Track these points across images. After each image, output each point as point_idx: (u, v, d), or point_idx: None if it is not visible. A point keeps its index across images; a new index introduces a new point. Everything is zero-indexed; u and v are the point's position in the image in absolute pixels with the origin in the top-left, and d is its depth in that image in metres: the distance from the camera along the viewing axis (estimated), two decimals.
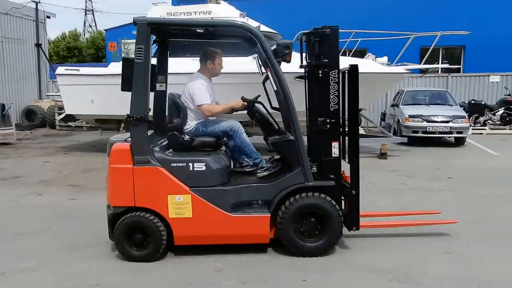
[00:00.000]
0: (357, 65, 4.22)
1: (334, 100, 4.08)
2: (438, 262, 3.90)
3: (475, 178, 7.56)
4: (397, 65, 9.97)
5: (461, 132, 11.28)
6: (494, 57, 17.27)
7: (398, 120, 12.00)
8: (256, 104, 4.41)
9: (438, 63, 12.34)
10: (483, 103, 14.62)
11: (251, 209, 4.03)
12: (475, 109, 14.38)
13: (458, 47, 18.60)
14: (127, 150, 3.90)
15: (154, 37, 4.32)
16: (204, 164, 3.96)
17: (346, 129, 4.32)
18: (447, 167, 8.62)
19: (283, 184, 4.01)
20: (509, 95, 14.55)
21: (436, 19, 17.38)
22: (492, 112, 14.32)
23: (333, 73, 4.06)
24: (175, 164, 3.94)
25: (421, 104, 12.54)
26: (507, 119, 14.07)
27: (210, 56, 4.39)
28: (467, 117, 11.76)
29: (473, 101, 14.57)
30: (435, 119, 11.31)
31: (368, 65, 9.64)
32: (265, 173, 4.24)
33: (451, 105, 12.38)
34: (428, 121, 11.29)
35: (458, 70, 18.31)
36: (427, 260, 3.93)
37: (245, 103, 4.36)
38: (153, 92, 4.38)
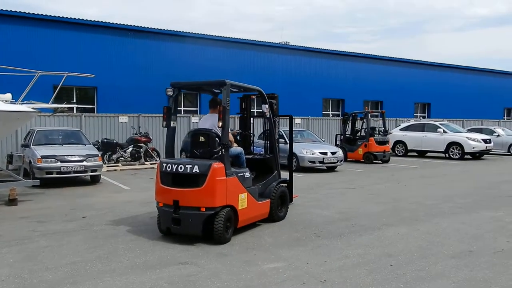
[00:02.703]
0: None
1: None
2: None
3: (108, 215, 7.87)
4: (23, 103, 9.31)
5: (95, 170, 11.61)
6: (122, 99, 19.01)
7: (30, 161, 11.18)
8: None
9: (66, 103, 12.33)
10: (115, 141, 15.68)
11: (261, 197, 6.78)
12: (108, 147, 15.21)
13: (91, 88, 19.35)
14: (222, 167, 5.83)
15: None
16: (249, 173, 6.51)
17: None
18: (83, 206, 8.63)
19: (271, 181, 7.21)
20: (136, 133, 16.22)
21: (66, 60, 17.63)
22: (123, 150, 15.53)
23: None
24: (240, 174, 6.24)
25: (55, 144, 12.18)
26: (136, 155, 15.61)
27: (219, 103, 6.37)
28: (100, 155, 12.27)
29: (105, 140, 15.39)
30: (70, 158, 11.21)
31: None
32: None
33: (85, 144, 12.62)
34: (62, 161, 11.04)
35: (92, 110, 19.01)
36: None
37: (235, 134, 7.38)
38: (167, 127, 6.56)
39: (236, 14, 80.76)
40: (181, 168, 5.89)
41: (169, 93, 6.43)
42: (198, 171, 5.77)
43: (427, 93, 30.55)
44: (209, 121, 6.63)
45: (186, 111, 21.40)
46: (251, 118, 8.03)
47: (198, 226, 5.73)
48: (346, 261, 5.13)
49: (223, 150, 5.94)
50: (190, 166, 5.83)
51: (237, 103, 8.01)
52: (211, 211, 5.70)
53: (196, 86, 7.52)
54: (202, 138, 6.29)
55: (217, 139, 6.22)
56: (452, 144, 18.89)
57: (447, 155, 19.02)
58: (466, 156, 18.66)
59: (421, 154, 20.51)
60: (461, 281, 4.52)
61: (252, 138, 8.03)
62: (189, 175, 5.82)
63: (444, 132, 19.18)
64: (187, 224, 5.79)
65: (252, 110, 7.95)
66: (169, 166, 6.01)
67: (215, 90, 7.26)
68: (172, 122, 6.58)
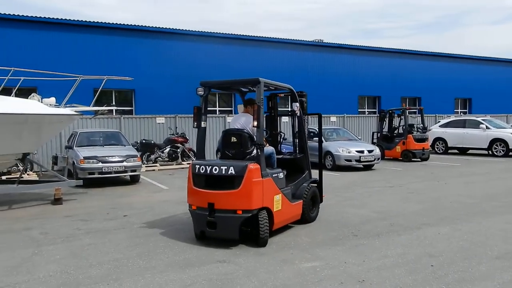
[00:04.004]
0: None
1: None
2: None
3: (147, 213, 8.08)
4: (66, 107, 9.70)
5: (134, 170, 11.95)
6: (159, 101, 19.45)
7: (73, 162, 11.64)
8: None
9: (106, 105, 12.75)
10: (152, 142, 16.07)
11: (293, 198, 6.60)
12: (146, 148, 15.62)
13: (129, 90, 19.90)
14: (258, 169, 5.65)
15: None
16: (283, 173, 6.33)
17: None
18: (123, 205, 8.90)
19: (302, 181, 7.03)
20: (173, 134, 16.55)
21: (105, 64, 18.21)
22: (161, 150, 15.89)
23: None
24: (275, 175, 6.06)
25: (96, 145, 12.62)
26: (173, 155, 15.93)
27: (252, 103, 6.43)
28: (139, 155, 12.61)
29: (144, 141, 15.80)
30: (110, 159, 11.59)
31: (33, 106, 8.99)
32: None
33: (124, 145, 13.00)
34: (103, 162, 11.43)
35: (130, 112, 19.54)
36: None
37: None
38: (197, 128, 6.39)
39: (265, 14, 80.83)
40: (215, 169, 5.72)
41: (200, 92, 6.28)
42: (234, 173, 5.63)
43: (467, 88, 29.51)
44: (240, 120, 6.46)
45: (221, 111, 21.63)
46: (278, 117, 7.83)
47: (234, 229, 5.60)
48: (385, 261, 5.04)
49: (258, 150, 5.81)
50: (226, 167, 5.68)
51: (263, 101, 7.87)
52: (248, 214, 5.56)
53: (227, 85, 7.16)
54: (234, 139, 6.14)
55: (249, 139, 6.08)
56: (495, 141, 18.13)
57: (490, 152, 18.29)
58: (510, 153, 17.88)
59: (462, 151, 19.84)
60: (506, 283, 4.36)
61: (281, 138, 7.79)
62: (224, 177, 5.68)
63: (487, 128, 18.44)
64: (223, 227, 5.65)
65: (279, 108, 7.73)
66: (202, 168, 5.86)
67: (243, 89, 7.14)
68: (202, 123, 6.37)
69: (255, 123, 5.75)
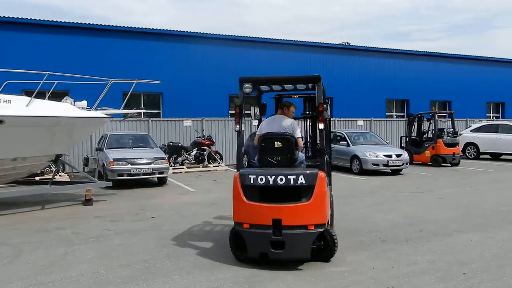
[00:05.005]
0: None
1: None
2: None
3: (175, 215, 8.18)
4: (97, 110, 9.95)
5: (162, 172, 12.13)
6: (186, 104, 19.68)
7: (103, 164, 11.91)
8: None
9: (135, 109, 12.99)
10: (180, 144, 16.27)
11: None
12: (173, 150, 15.83)
13: (157, 93, 20.22)
14: (324, 177, 5.05)
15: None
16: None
17: None
18: (151, 206, 9.05)
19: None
20: (199, 137, 16.72)
21: (134, 68, 18.58)
22: (187, 153, 16.08)
23: None
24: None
25: (125, 147, 12.88)
26: (200, 158, 16.09)
27: (287, 104, 5.98)
28: (166, 158, 12.80)
29: (171, 143, 16.02)
30: (139, 161, 11.80)
31: (66, 109, 9.26)
32: None
33: (152, 147, 13.22)
34: (132, 164, 11.66)
35: (158, 115, 19.86)
36: None
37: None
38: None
39: (293, 17, 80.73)
40: (281, 179, 4.91)
41: (247, 90, 5.40)
42: (304, 182, 4.90)
43: (500, 92, 28.61)
44: (281, 123, 5.71)
45: (246, 114, 21.67)
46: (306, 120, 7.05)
47: (307, 248, 4.91)
48: (415, 267, 4.94)
49: (326, 156, 5.25)
50: (294, 176, 4.91)
51: (271, 103, 6.91)
52: (321, 229, 4.92)
53: (279, 82, 5.96)
54: (278, 143, 5.37)
55: (295, 144, 5.45)
56: None
57: None
58: None
59: (495, 156, 19.25)
60: None
61: (308, 142, 7.01)
62: (292, 188, 4.93)
63: None
64: (293, 247, 4.87)
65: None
66: (261, 178, 4.96)
67: (278, 91, 6.53)
68: (243, 125, 5.62)
69: (321, 126, 5.17)
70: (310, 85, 5.91)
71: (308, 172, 5.01)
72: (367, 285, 4.44)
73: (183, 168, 15.57)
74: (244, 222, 5.04)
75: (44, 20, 18.09)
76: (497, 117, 28.92)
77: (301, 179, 4.90)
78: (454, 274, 4.71)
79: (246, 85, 5.38)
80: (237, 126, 5.38)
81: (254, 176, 5.00)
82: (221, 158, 16.74)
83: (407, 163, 14.38)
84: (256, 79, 5.54)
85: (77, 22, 18.79)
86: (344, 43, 26.28)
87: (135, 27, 19.93)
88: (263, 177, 4.96)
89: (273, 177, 4.93)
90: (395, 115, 26.09)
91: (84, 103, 9.91)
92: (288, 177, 4.91)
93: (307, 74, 5.57)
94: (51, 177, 11.12)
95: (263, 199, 4.97)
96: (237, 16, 79.56)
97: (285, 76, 5.82)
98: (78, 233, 6.79)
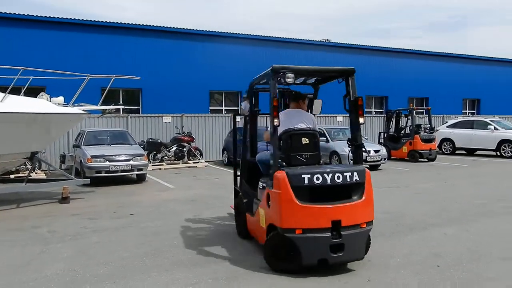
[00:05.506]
0: None
1: None
2: None
3: (154, 212, 8.12)
4: (74, 106, 9.78)
5: (141, 169, 12.01)
6: (166, 100, 19.52)
7: (81, 161, 11.73)
8: None
9: (114, 105, 12.83)
10: (159, 141, 16.14)
11: None
12: (153, 147, 15.69)
13: (136, 89, 19.98)
14: (370, 173, 4.93)
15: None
16: None
17: None
18: (130, 204, 8.96)
19: None
20: (179, 133, 16.61)
21: (113, 64, 18.31)
22: (167, 149, 15.96)
23: None
24: None
25: (104, 144, 12.69)
26: (179, 154, 15.99)
27: (303, 97, 5.66)
28: (145, 154, 12.67)
29: (150, 140, 15.88)
30: (117, 158, 11.65)
31: (42, 105, 9.08)
32: None
33: (131, 144, 13.07)
34: (110, 161, 11.51)
35: (137, 111, 19.63)
36: None
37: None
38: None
39: (274, 12, 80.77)
40: (338, 177, 4.61)
41: (290, 79, 4.90)
42: (358, 179, 4.72)
43: (476, 89, 29.28)
44: (301, 118, 5.36)
45: (227, 110, 21.66)
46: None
47: (362, 247, 4.75)
48: (391, 261, 5.03)
49: (363, 152, 5.12)
50: (349, 173, 4.67)
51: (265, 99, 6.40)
52: (371, 226, 4.78)
53: (313, 73, 5.59)
54: (306, 140, 5.07)
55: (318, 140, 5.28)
56: (504, 142, 17.98)
57: (498, 153, 18.15)
58: None
59: (470, 152, 19.70)
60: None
61: None
62: (346, 186, 4.69)
63: (495, 129, 18.30)
64: (352, 247, 4.61)
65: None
66: (317, 177, 4.56)
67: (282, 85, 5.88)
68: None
69: (362, 120, 5.06)
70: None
71: (359, 168, 4.81)
72: (345, 278, 4.50)
73: (162, 165, 15.45)
74: (297, 228, 4.48)
75: (18, 14, 17.66)
76: (473, 114, 29.59)
77: (356, 176, 4.70)
78: (428, 267, 4.81)
79: (290, 75, 4.87)
80: (276, 120, 4.73)
81: (309, 176, 4.54)
82: (201, 155, 16.68)
83: (385, 159, 14.59)
84: (293, 68, 4.98)
85: (54, 17, 18.41)
86: (324, 40, 26.45)
87: (114, 22, 19.64)
88: (320, 176, 4.56)
89: (330, 175, 4.59)
90: (374, 111, 26.43)
91: (60, 99, 9.73)
92: (344, 174, 4.64)
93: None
94: (26, 175, 10.90)
95: (316, 200, 4.56)
96: (219, 11, 79.18)
97: (320, 67, 5.45)
98: (54, 232, 6.68)
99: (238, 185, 6.46)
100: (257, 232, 5.41)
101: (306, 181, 4.53)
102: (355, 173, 4.70)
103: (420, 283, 4.38)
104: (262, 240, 5.13)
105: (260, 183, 5.30)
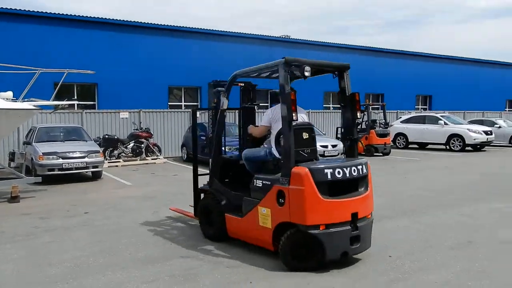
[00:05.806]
0: None
1: None
2: None
3: (109, 210, 7.92)
4: (24, 101, 9.35)
5: (96, 166, 11.66)
6: (123, 95, 19.04)
7: (32, 158, 11.24)
8: None
9: (67, 100, 12.39)
10: (116, 137, 15.72)
11: None
12: (109, 143, 15.26)
13: (92, 84, 19.37)
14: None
15: None
16: None
17: None
18: (85, 202, 8.69)
19: None
20: (136, 129, 16.26)
21: (67, 57, 17.65)
22: (124, 146, 15.57)
23: None
24: None
25: (56, 141, 12.21)
26: (137, 151, 15.65)
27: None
28: (101, 151, 12.32)
29: (107, 136, 15.43)
30: (71, 155, 11.25)
31: None
32: None
33: (86, 141, 12.66)
34: (64, 158, 11.09)
35: (93, 107, 19.04)
36: None
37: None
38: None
39: (239, 10, 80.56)
40: (354, 171, 4.67)
41: (307, 73, 4.77)
42: (366, 172, 4.90)
43: (428, 85, 30.46)
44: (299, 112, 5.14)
45: (186, 106, 21.43)
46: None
47: (370, 237, 4.95)
48: None
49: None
50: (361, 167, 4.80)
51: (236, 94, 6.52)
52: (372, 217, 5.04)
53: (316, 67, 5.33)
54: (306, 135, 4.98)
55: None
56: (453, 136, 18.87)
57: (448, 147, 19.01)
58: (467, 148, 18.65)
59: (422, 146, 20.51)
60: (459, 271, 4.56)
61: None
62: (358, 179, 4.79)
63: (445, 124, 19.16)
64: (365, 238, 4.78)
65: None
66: (338, 172, 4.55)
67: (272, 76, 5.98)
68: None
69: (359, 115, 5.18)
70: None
71: (364, 161, 4.95)
72: (303, 273, 4.57)
73: (119, 162, 15.07)
74: (321, 224, 4.42)
75: None
76: (425, 109, 30.78)
77: (365, 169, 4.86)
78: (381, 258, 4.98)
79: (307, 68, 4.76)
80: (294, 114, 4.56)
81: (331, 171, 4.49)
82: (160, 151, 16.40)
83: (342, 153, 14.90)
84: (305, 61, 4.89)
85: (4, 8, 17.47)
86: (284, 36, 26.64)
87: (67, 14, 18.91)
88: (340, 170, 4.55)
89: (348, 169, 4.62)
90: (332, 107, 26.95)
91: (9, 93, 9.29)
92: (358, 167, 4.74)
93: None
94: None
95: (335, 194, 4.54)
96: (183, 8, 77.98)
97: (324, 62, 5.46)
98: (2, 232, 6.39)
99: (207, 184, 6.05)
100: (251, 233, 5.12)
101: (329, 176, 4.49)
102: (364, 166, 4.85)
103: (373, 273, 4.52)
104: (258, 241, 5.03)
105: (258, 181, 4.99)
